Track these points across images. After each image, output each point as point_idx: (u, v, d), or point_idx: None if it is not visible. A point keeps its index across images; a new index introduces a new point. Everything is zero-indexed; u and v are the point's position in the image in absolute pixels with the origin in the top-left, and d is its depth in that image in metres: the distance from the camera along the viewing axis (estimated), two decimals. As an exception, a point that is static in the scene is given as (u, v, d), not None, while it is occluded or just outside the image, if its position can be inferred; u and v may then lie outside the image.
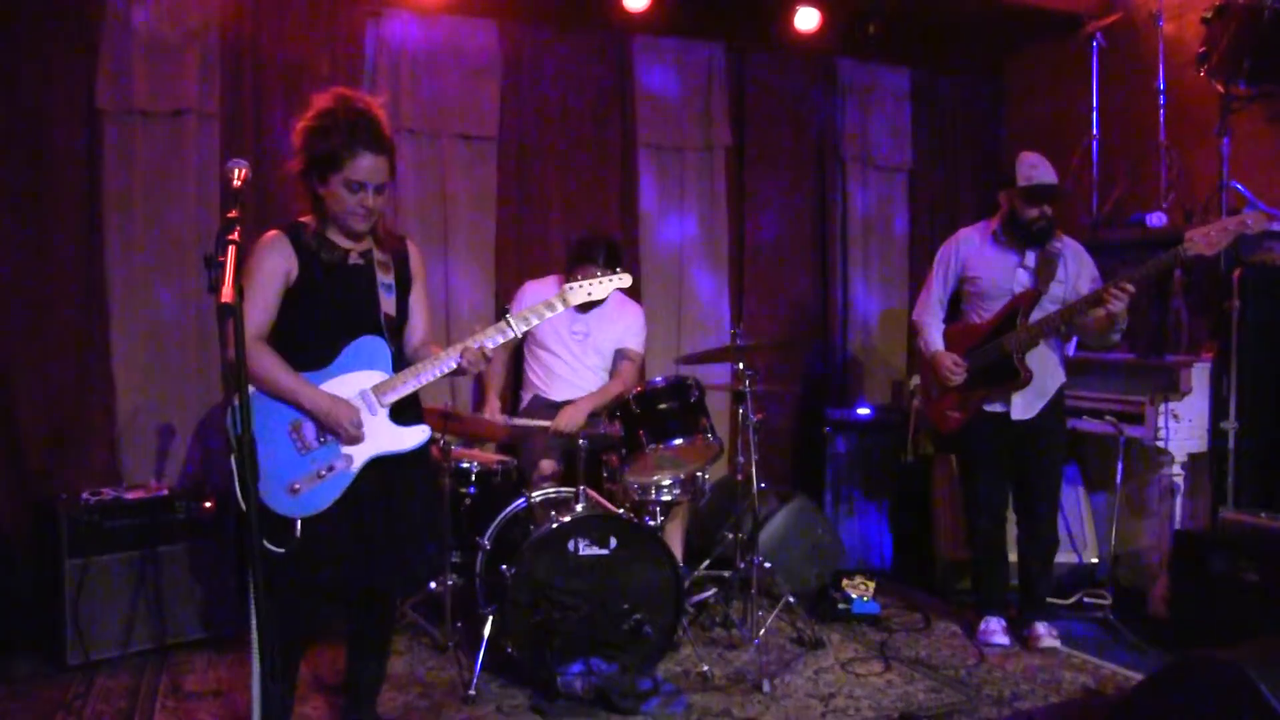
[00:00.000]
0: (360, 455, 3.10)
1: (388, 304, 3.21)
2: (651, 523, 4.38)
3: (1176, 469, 4.86)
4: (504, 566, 3.93)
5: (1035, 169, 4.40)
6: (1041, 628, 4.54)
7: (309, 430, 3.07)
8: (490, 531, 4.26)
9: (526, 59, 5.61)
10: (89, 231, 4.76)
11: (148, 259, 4.82)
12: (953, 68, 6.66)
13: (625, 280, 3.45)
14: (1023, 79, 6.66)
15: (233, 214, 2.47)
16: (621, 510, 4.18)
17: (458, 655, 4.26)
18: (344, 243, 3.16)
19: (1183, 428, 4.83)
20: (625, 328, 5.14)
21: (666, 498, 4.51)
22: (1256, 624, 3.96)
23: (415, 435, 3.21)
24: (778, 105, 6.24)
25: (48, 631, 4.21)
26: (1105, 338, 4.38)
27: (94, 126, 4.76)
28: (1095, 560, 5.33)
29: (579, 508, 4.04)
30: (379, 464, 3.13)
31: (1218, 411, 4.84)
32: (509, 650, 3.95)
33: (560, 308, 3.36)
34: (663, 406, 4.35)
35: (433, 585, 4.38)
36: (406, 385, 3.17)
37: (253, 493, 2.31)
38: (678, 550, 4.72)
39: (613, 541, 3.99)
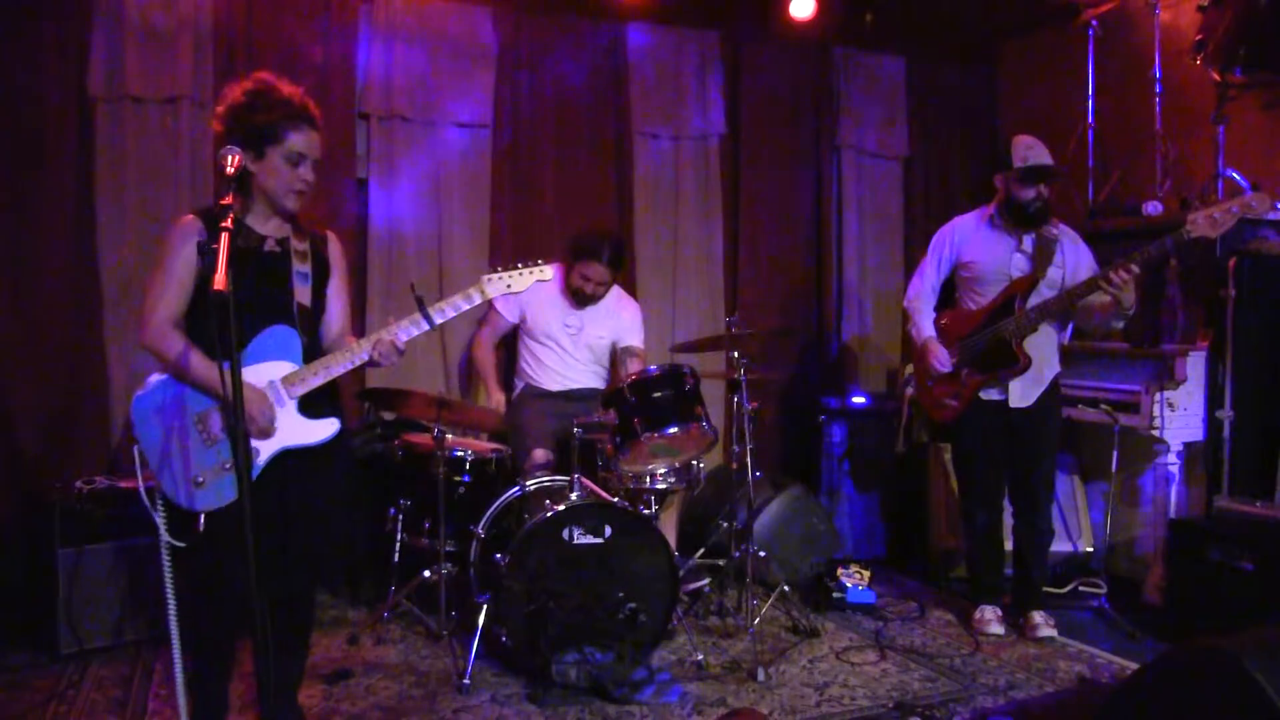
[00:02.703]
0: (267, 448, 2.99)
1: (302, 293, 3.11)
2: (646, 511, 4.37)
3: (1172, 458, 4.87)
4: (498, 555, 3.93)
5: (1031, 150, 4.39)
6: (1038, 617, 4.54)
7: (215, 421, 2.96)
8: (485, 520, 4.25)
9: (521, 46, 5.59)
10: (81, 218, 4.75)
11: (140, 245, 4.79)
12: (948, 56, 6.65)
13: (547, 273, 3.36)
14: (1018, 67, 6.64)
15: (226, 200, 2.46)
16: (616, 499, 4.17)
17: (452, 644, 4.25)
18: (261, 229, 3.06)
19: (1178, 417, 4.83)
20: (620, 325, 5.12)
21: (661, 486, 4.49)
22: (1252, 612, 3.97)
23: (324, 429, 3.08)
24: (773, 93, 6.22)
25: (41, 621, 4.18)
26: (1110, 323, 4.36)
27: (86, 112, 4.74)
28: (1090, 549, 5.35)
29: (574, 496, 4.03)
30: (288, 458, 3.02)
31: (1213, 400, 4.84)
32: (504, 639, 3.95)
33: (477, 299, 3.27)
34: (658, 395, 4.33)
35: (426, 574, 4.37)
36: (317, 377, 3.04)
37: (245, 481, 2.28)
38: (672, 539, 4.72)
39: (607, 530, 3.98)
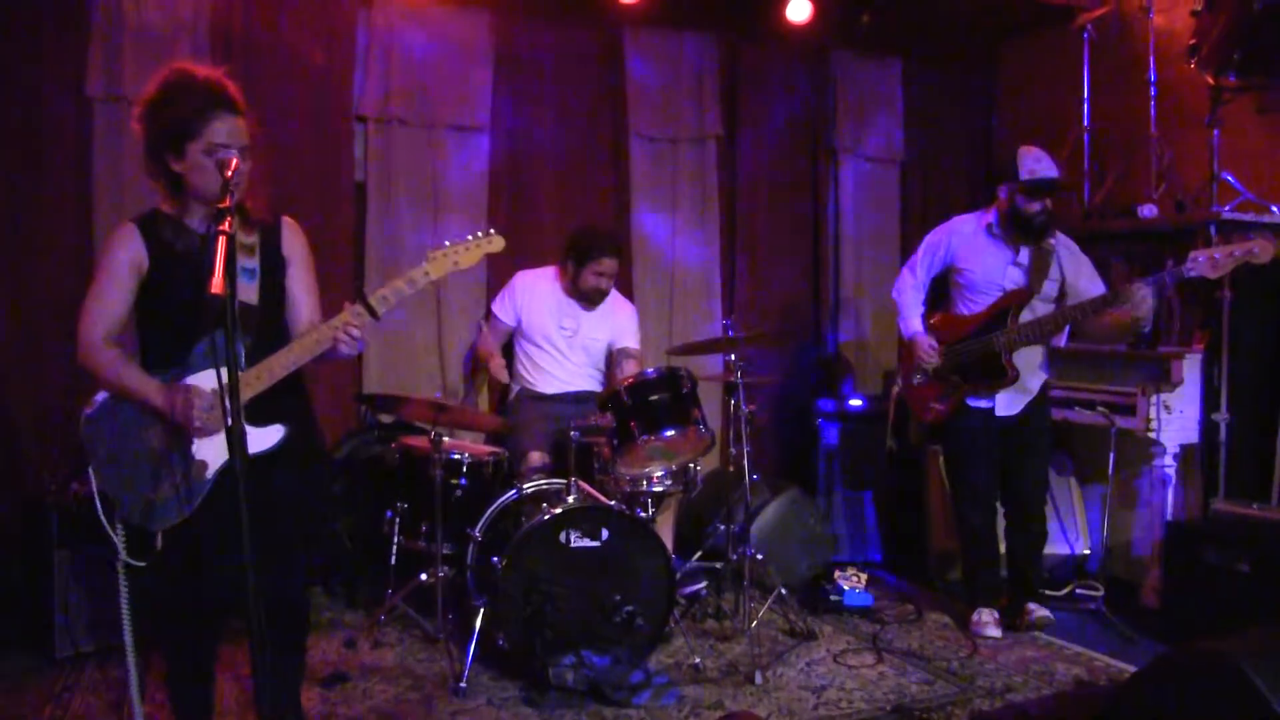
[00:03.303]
0: (214, 461, 2.85)
1: (246, 291, 2.90)
2: (643, 514, 4.37)
3: (1168, 460, 4.87)
4: (495, 558, 3.92)
5: (1039, 162, 4.37)
6: (1032, 604, 4.59)
7: (161, 437, 2.85)
8: (481, 523, 4.24)
9: (518, 49, 5.59)
10: (79, 220, 4.74)
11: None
12: (945, 59, 6.65)
13: (496, 243, 3.09)
14: (1015, 70, 6.65)
15: (224, 204, 2.45)
16: (613, 502, 4.17)
17: (449, 647, 4.24)
18: (201, 229, 2.89)
19: (1174, 419, 4.83)
20: (616, 327, 5.13)
21: (658, 489, 4.49)
22: (1248, 615, 3.97)
23: (268, 437, 2.88)
24: (770, 97, 6.22)
25: (37, 623, 4.18)
26: (1125, 336, 4.33)
27: (84, 114, 4.74)
28: (1087, 551, 5.35)
29: (570, 499, 4.03)
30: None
31: (1209, 402, 4.86)
32: (500, 642, 3.95)
33: (421, 281, 2.99)
34: (654, 398, 4.32)
35: (423, 577, 4.37)
36: (260, 382, 2.85)
37: (242, 499, 2.25)
38: (669, 542, 4.72)
39: (604, 533, 3.98)
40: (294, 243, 3.10)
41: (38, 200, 4.66)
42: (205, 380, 2.85)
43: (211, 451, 2.85)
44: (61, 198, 4.71)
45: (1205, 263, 3.96)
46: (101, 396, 2.91)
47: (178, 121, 2.77)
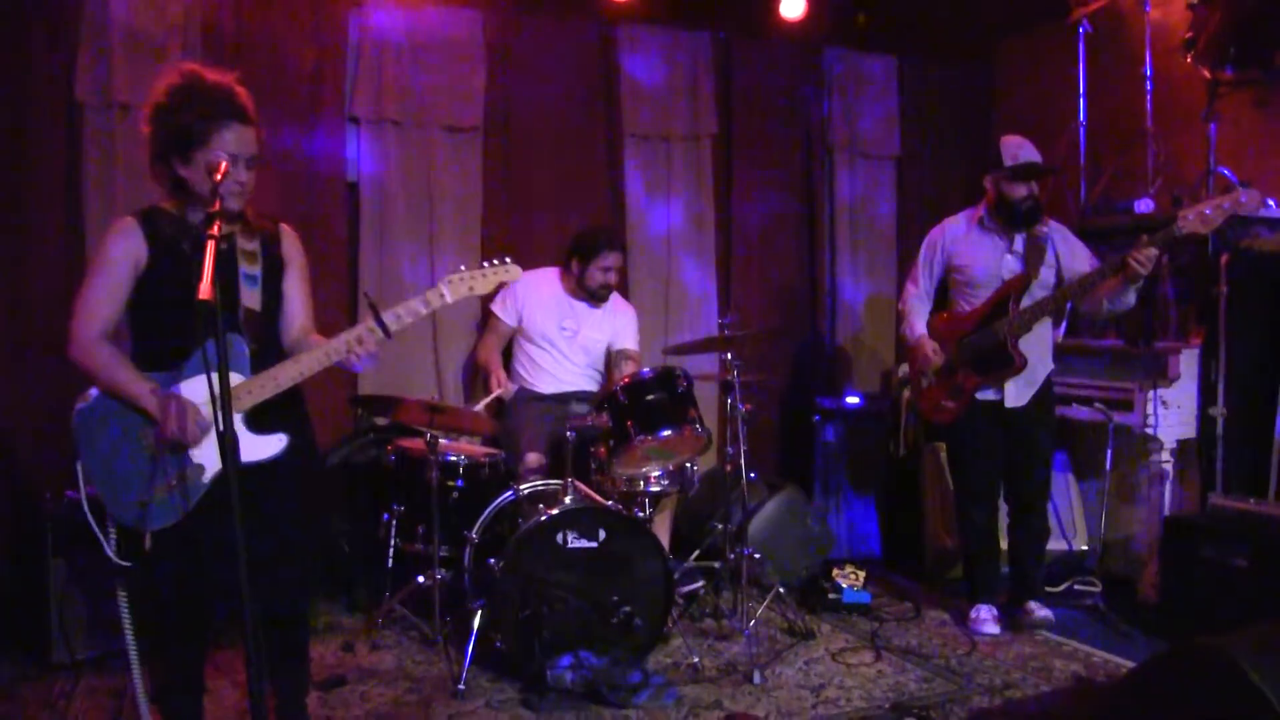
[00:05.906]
0: (212, 464, 2.81)
1: (250, 297, 2.92)
2: (640, 514, 4.36)
3: (1165, 455, 4.87)
4: (492, 560, 3.92)
5: (1020, 148, 4.40)
6: (1033, 603, 4.58)
7: (157, 436, 2.79)
8: (478, 525, 4.24)
9: (511, 48, 5.57)
10: (69, 225, 4.72)
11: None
12: (940, 55, 6.64)
13: (513, 273, 3.12)
14: (1010, 66, 6.64)
15: (212, 209, 2.44)
16: (610, 502, 4.16)
17: (447, 649, 4.24)
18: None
19: (1171, 414, 4.83)
20: (616, 327, 5.15)
21: (655, 489, 4.48)
22: (1246, 609, 3.96)
23: (270, 445, 2.88)
24: (765, 94, 6.21)
25: (33, 630, 4.16)
26: (1120, 302, 4.28)
27: (73, 119, 4.72)
28: (1085, 548, 5.34)
29: (567, 500, 4.02)
30: (240, 475, 2.78)
31: (1206, 397, 4.84)
32: (498, 644, 3.94)
33: (436, 303, 3.00)
34: (651, 398, 4.32)
35: (420, 579, 4.36)
36: (264, 389, 2.85)
37: (236, 507, 2.23)
38: (665, 542, 4.71)
39: (601, 534, 3.97)
40: (292, 249, 3.10)
41: (27, 205, 4.64)
42: (202, 386, 2.74)
43: (209, 455, 2.82)
44: (51, 202, 4.68)
45: (1195, 219, 3.95)
46: (96, 390, 2.85)
47: (186, 128, 2.75)
